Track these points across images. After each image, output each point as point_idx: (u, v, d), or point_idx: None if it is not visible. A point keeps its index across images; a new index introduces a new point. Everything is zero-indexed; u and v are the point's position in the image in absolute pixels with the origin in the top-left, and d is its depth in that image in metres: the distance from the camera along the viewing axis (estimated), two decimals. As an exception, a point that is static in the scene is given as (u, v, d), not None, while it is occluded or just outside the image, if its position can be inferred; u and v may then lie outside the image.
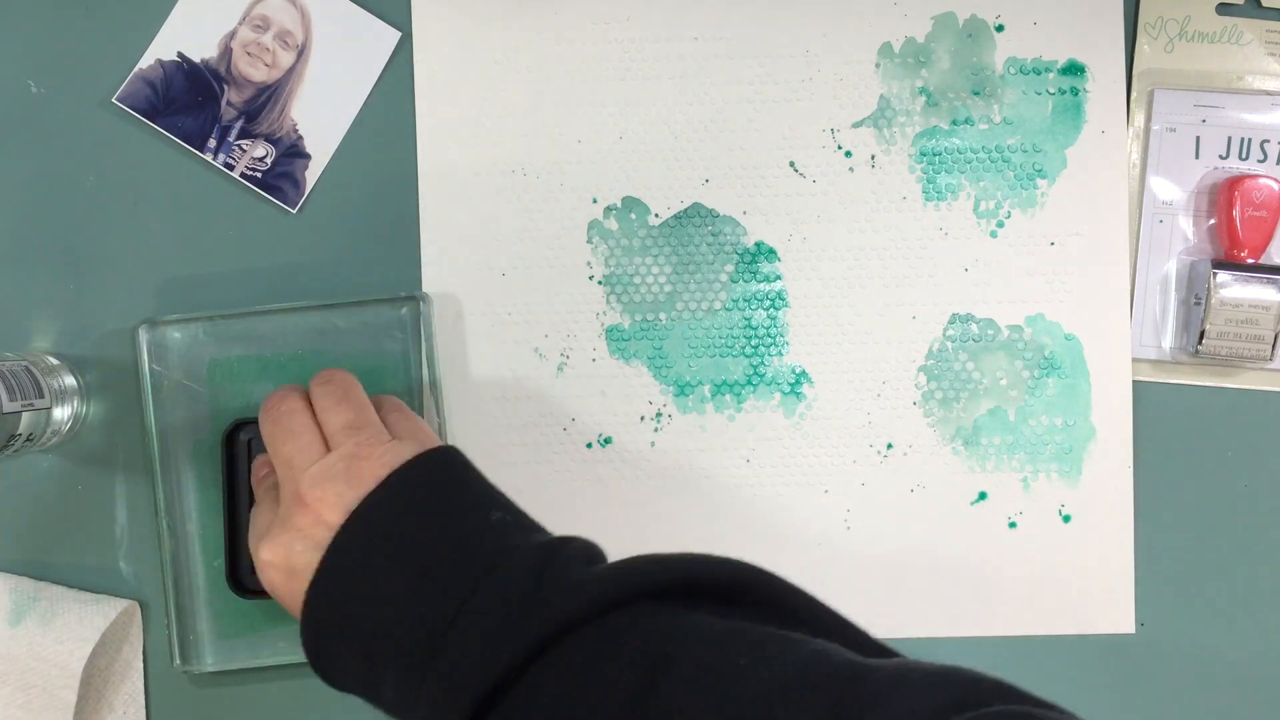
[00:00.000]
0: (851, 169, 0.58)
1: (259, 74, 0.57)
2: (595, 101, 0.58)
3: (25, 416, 0.52)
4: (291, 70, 0.57)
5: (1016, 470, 0.58)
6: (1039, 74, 0.58)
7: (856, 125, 0.58)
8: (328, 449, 0.46)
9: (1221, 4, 0.58)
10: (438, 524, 0.43)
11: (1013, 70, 0.58)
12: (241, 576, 0.55)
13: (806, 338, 0.58)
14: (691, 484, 0.58)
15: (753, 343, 0.58)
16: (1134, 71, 0.58)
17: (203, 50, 0.57)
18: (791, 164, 0.58)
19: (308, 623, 0.43)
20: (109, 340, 0.57)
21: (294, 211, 0.58)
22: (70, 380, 0.56)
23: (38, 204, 0.58)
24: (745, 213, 0.58)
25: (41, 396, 0.53)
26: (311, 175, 0.58)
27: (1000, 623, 0.58)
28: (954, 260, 0.58)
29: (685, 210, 0.58)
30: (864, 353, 0.58)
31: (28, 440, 0.52)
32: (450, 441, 0.57)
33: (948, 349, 0.58)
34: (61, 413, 0.55)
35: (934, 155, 0.58)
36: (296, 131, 0.58)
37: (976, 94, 0.58)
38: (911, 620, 0.57)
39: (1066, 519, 0.57)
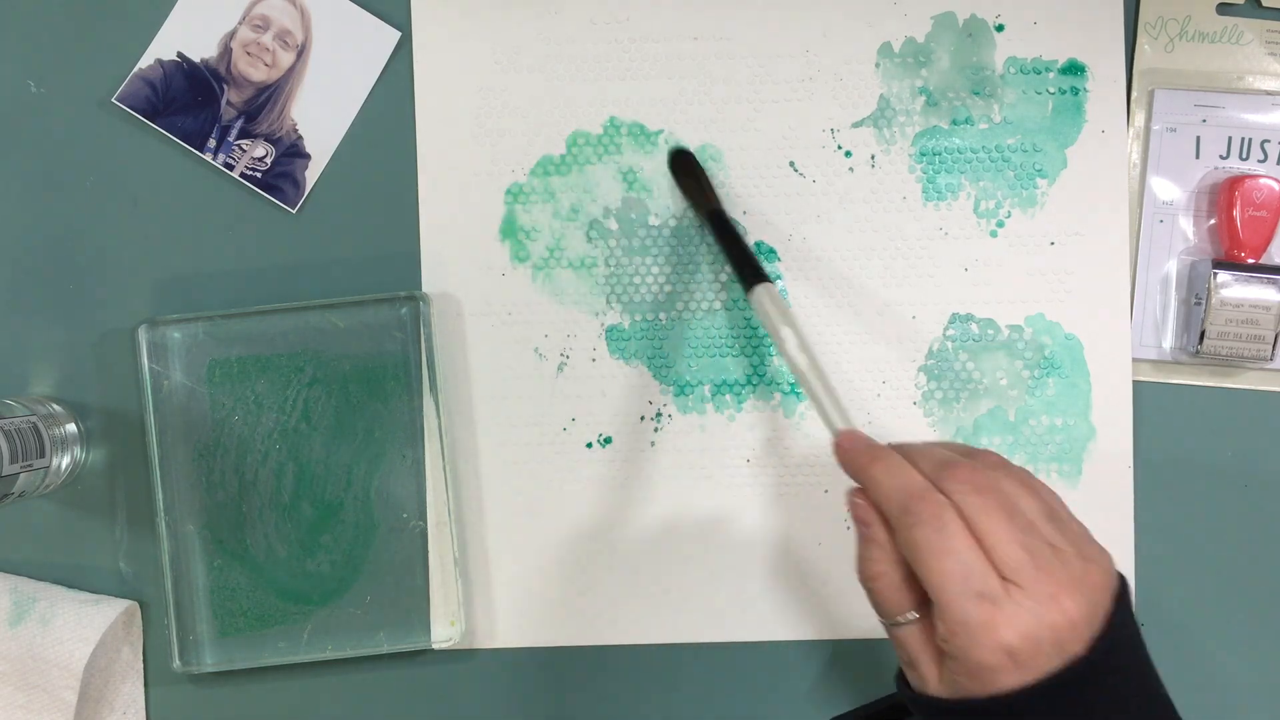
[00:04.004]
0: (851, 169, 0.58)
1: (259, 74, 0.57)
2: (595, 101, 0.58)
3: (22, 477, 0.52)
4: (291, 70, 0.57)
5: (1016, 470, 0.57)
6: (1039, 73, 0.58)
7: (856, 125, 0.58)
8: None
9: (1221, 4, 0.58)
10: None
11: (1013, 70, 0.58)
12: None
13: (806, 337, 0.57)
14: (691, 484, 0.58)
15: (752, 342, 0.58)
16: (1134, 71, 0.58)
17: (203, 50, 0.57)
18: (791, 164, 0.58)
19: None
20: (109, 341, 0.57)
21: (294, 211, 0.58)
22: (71, 428, 0.56)
23: (38, 204, 0.58)
24: (745, 212, 0.58)
25: (42, 456, 0.53)
26: (311, 175, 0.58)
27: (1000, 623, 0.58)
28: (954, 260, 0.58)
29: (685, 210, 0.58)
30: (864, 353, 0.58)
31: (21, 496, 0.53)
32: (450, 441, 0.57)
33: (948, 349, 0.58)
34: (60, 462, 0.55)
35: (934, 155, 0.58)
36: (296, 131, 0.58)
37: (976, 94, 0.58)
38: (911, 620, 0.57)
39: (1066, 519, 0.57)
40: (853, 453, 0.45)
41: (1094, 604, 0.40)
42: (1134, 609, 0.43)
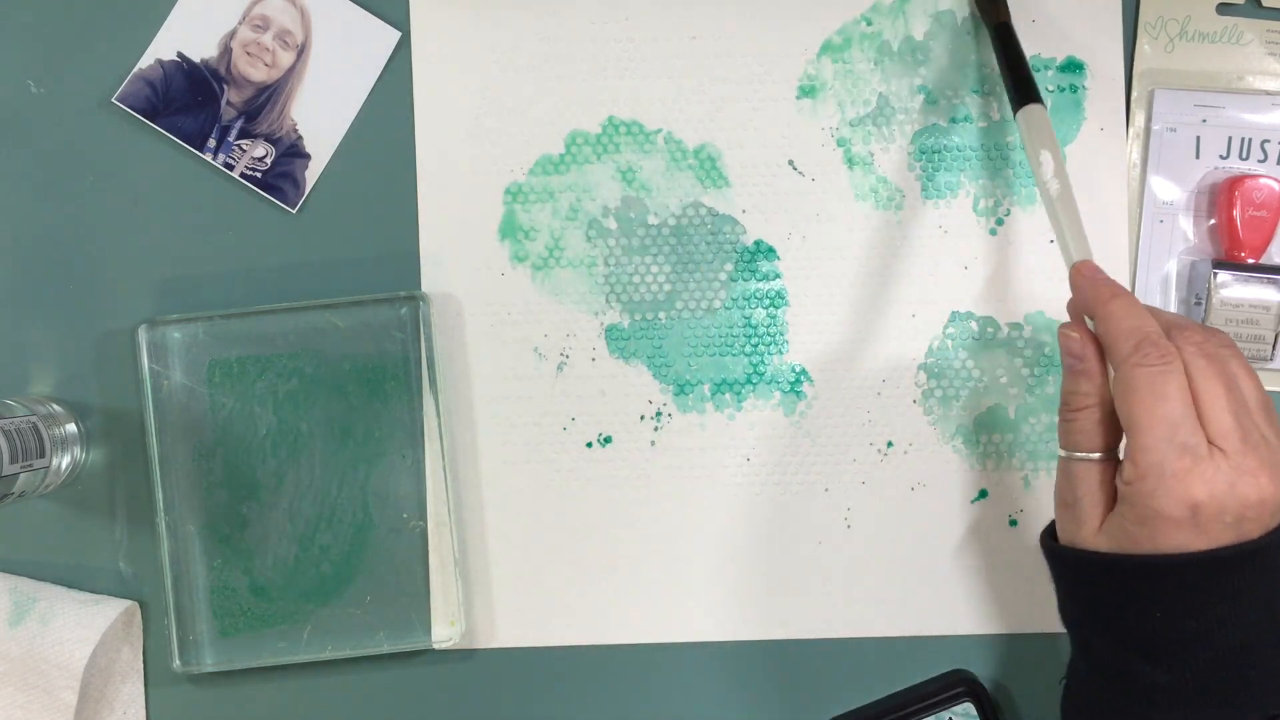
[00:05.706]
0: (850, 167, 0.58)
1: (259, 74, 0.58)
2: (594, 101, 0.58)
3: (22, 477, 0.52)
4: (291, 70, 0.58)
5: (1017, 468, 0.57)
6: (1037, 71, 0.58)
7: (855, 124, 0.58)
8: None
9: (1221, 4, 0.58)
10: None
11: (1011, 68, 0.58)
12: None
13: (806, 336, 0.58)
14: (691, 484, 0.58)
15: (752, 341, 0.58)
16: (1134, 71, 0.58)
17: (203, 50, 0.58)
18: (790, 162, 0.58)
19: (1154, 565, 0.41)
20: (109, 341, 0.57)
21: (294, 211, 0.58)
22: (71, 428, 0.56)
23: (38, 204, 0.58)
24: (744, 211, 0.58)
25: (43, 456, 0.53)
26: (311, 175, 0.58)
27: (1001, 621, 0.57)
28: (953, 258, 0.58)
29: (684, 209, 0.58)
30: (864, 351, 0.58)
31: (21, 496, 0.53)
32: (450, 441, 0.57)
33: (948, 347, 0.58)
34: (60, 462, 0.55)
35: (933, 153, 0.58)
36: (296, 131, 0.58)
37: (975, 92, 0.58)
38: (912, 619, 0.57)
39: (1067, 518, 0.57)
40: (1093, 282, 0.46)
41: None
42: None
